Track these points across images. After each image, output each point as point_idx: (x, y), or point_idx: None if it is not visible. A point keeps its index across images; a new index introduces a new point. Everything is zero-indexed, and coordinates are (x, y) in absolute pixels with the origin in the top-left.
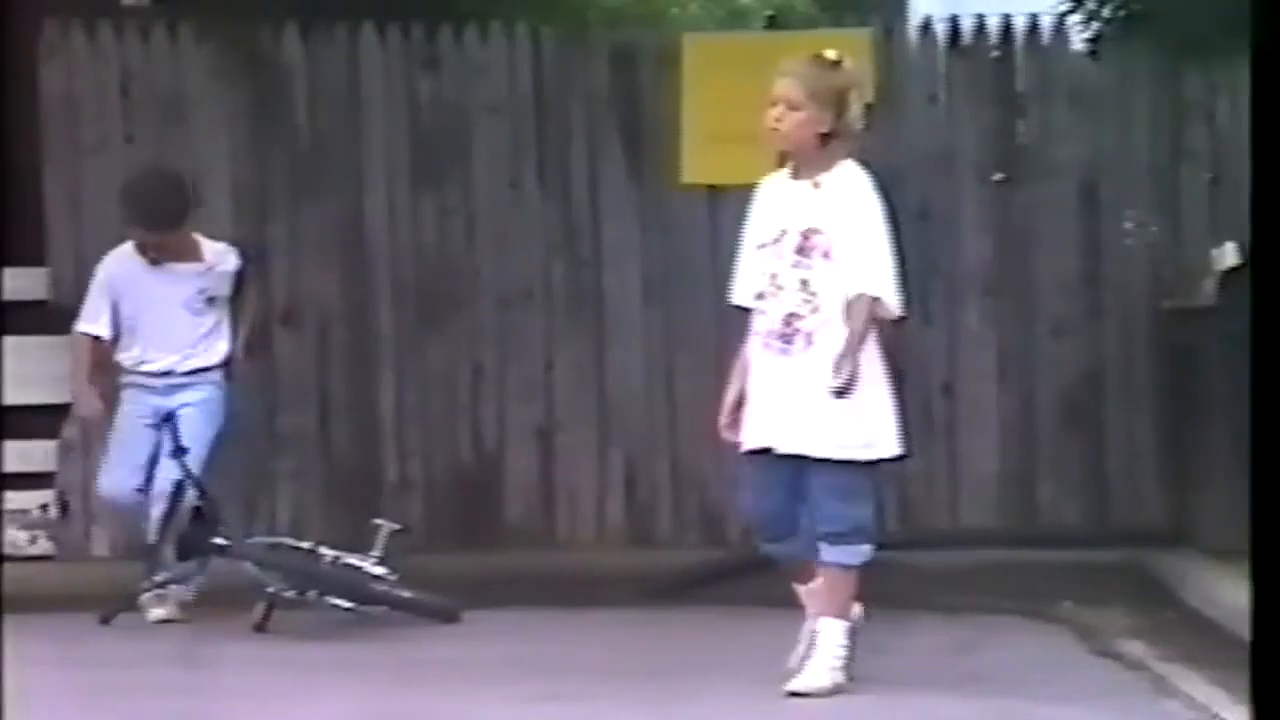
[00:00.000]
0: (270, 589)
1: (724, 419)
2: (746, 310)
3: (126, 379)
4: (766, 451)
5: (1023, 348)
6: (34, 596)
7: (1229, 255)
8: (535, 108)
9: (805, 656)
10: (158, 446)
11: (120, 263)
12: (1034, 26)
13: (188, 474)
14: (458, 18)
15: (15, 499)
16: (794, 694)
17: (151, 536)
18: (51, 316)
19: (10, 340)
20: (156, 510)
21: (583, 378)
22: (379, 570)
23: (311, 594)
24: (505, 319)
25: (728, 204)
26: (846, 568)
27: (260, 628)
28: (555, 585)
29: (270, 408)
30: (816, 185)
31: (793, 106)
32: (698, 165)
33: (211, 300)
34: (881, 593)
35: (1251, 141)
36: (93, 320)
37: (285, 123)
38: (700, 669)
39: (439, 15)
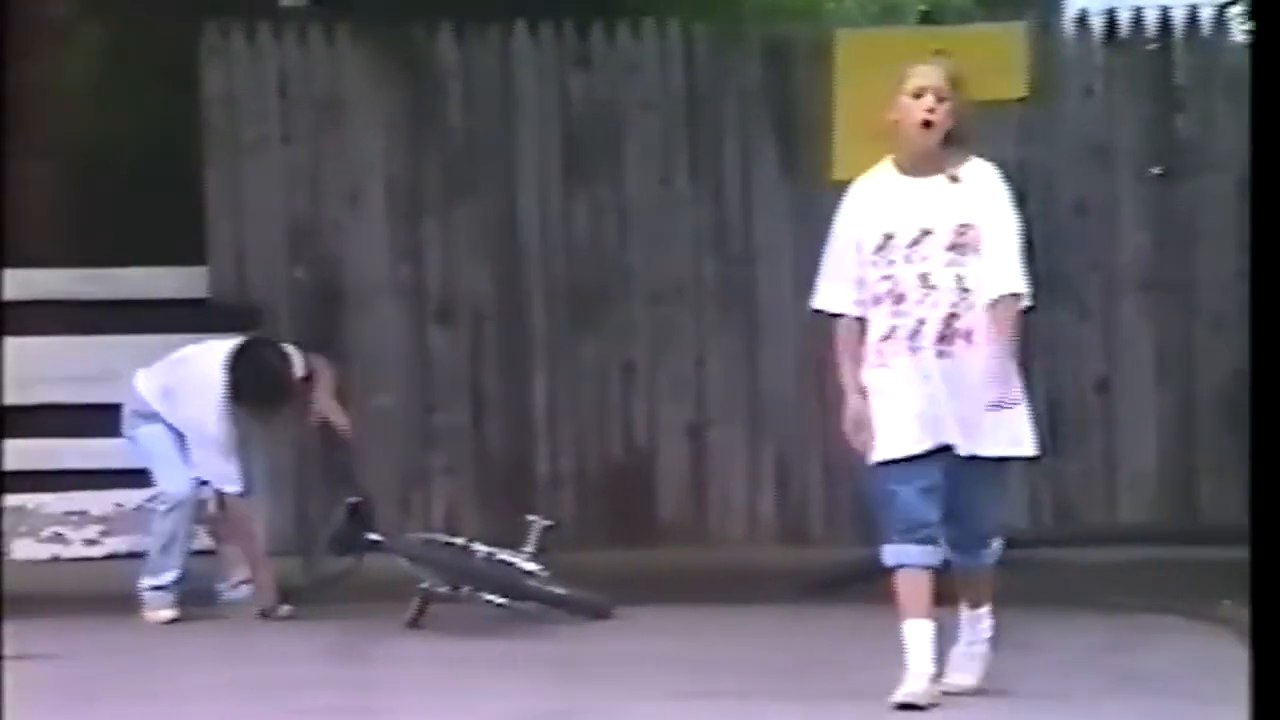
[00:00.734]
0: (424, 585)
1: (858, 432)
2: (833, 315)
3: None
4: (915, 458)
5: (1181, 343)
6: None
7: None
8: (687, 104)
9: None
10: None
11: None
12: (1193, 19)
13: (344, 473)
14: (610, 16)
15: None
16: (950, 692)
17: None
18: (210, 314)
19: (170, 338)
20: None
21: (734, 374)
22: (531, 566)
23: (465, 590)
24: (656, 315)
25: None
26: (990, 565)
27: (414, 624)
28: (707, 582)
29: (425, 405)
30: (956, 179)
31: (941, 97)
32: (849, 162)
33: None
34: (1039, 590)
35: (1251, 142)
36: None
37: (440, 122)
38: (853, 667)
39: (591, 13)
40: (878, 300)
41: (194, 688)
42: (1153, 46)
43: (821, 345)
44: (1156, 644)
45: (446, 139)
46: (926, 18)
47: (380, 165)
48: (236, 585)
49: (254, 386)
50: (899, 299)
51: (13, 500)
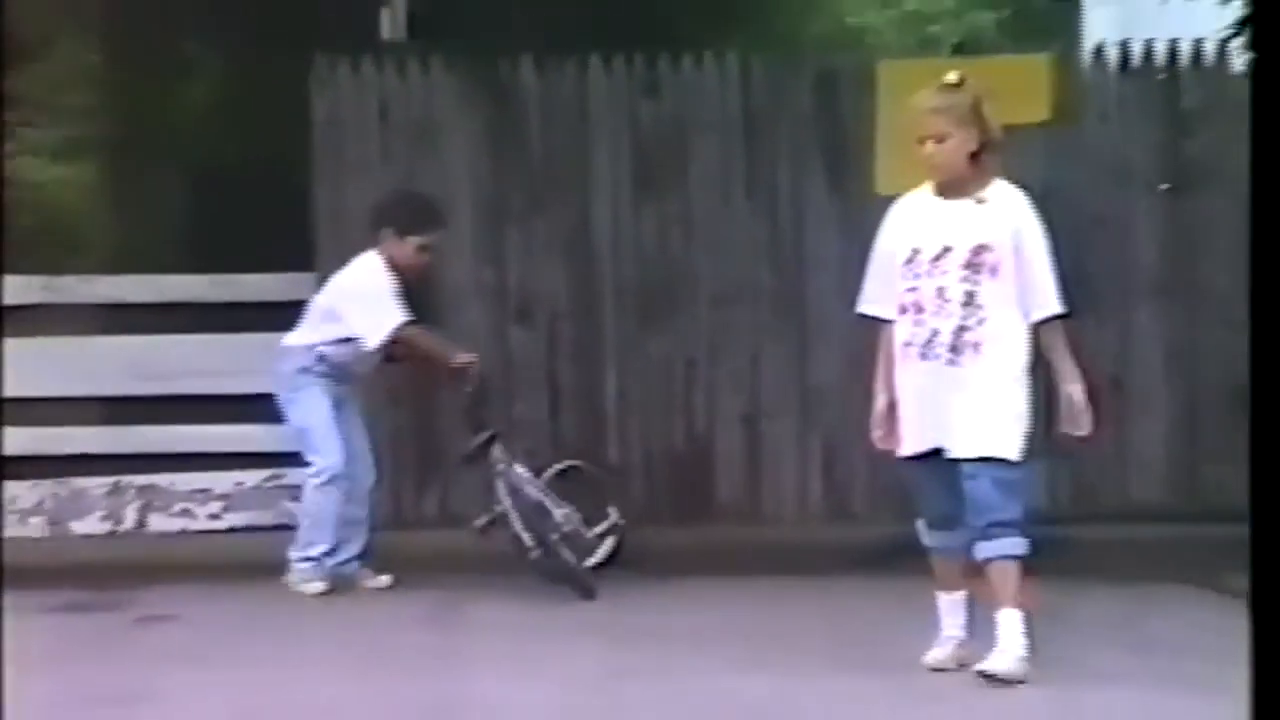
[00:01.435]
0: (501, 508)
1: (879, 429)
2: (875, 320)
3: None
4: (929, 454)
5: (1187, 343)
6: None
7: None
8: (744, 127)
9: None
10: None
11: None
12: (1198, 51)
13: (475, 409)
14: (675, 48)
15: (290, 475)
16: (984, 675)
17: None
18: None
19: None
20: None
21: (786, 370)
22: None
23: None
24: (716, 317)
25: None
26: (1012, 559)
27: (484, 533)
28: (761, 557)
29: (507, 397)
30: (981, 202)
31: (940, 139)
32: (890, 178)
33: None
34: (1060, 565)
35: (1251, 143)
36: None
37: (522, 143)
38: (898, 637)
39: (658, 45)
40: (903, 310)
41: (300, 652)
42: (1162, 75)
43: (864, 345)
44: (1167, 612)
45: (528, 158)
46: (959, 49)
47: (468, 181)
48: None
49: (406, 209)
50: (919, 309)
51: (145, 479)
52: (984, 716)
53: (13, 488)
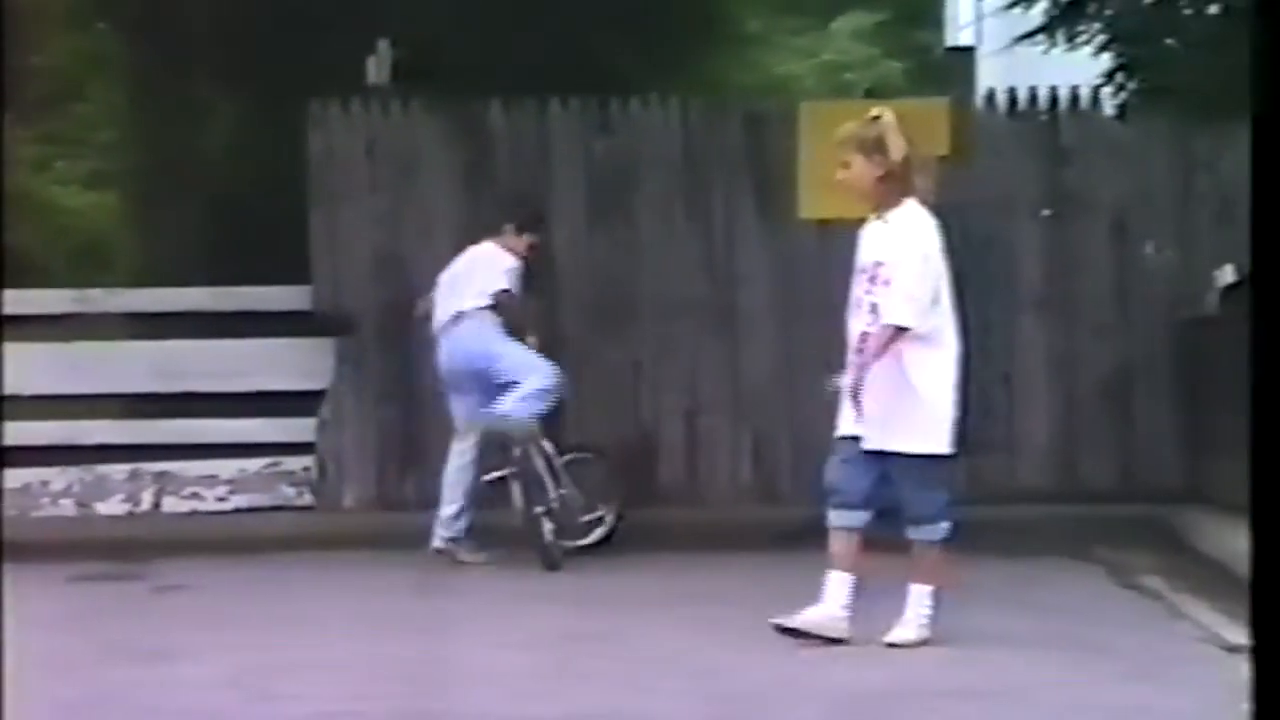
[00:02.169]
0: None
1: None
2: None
3: None
4: (851, 439)
5: (1067, 347)
6: (300, 538)
7: (1228, 275)
8: (685, 161)
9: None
10: None
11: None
12: (1075, 96)
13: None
14: (624, 92)
15: (286, 463)
16: (891, 645)
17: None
18: (313, 323)
19: (280, 341)
20: None
21: (721, 372)
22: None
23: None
24: (660, 326)
25: (834, 236)
26: (930, 544)
27: (491, 485)
28: (699, 534)
29: None
30: (886, 222)
31: (846, 164)
32: (811, 204)
33: None
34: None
35: (1252, 143)
36: None
37: (492, 175)
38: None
39: (610, 90)
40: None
41: (299, 613)
42: (1044, 117)
43: (788, 350)
44: (1048, 580)
45: (497, 188)
46: (870, 93)
47: (446, 209)
48: None
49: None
50: (854, 315)
51: (160, 466)
52: (891, 672)
53: (45, 473)
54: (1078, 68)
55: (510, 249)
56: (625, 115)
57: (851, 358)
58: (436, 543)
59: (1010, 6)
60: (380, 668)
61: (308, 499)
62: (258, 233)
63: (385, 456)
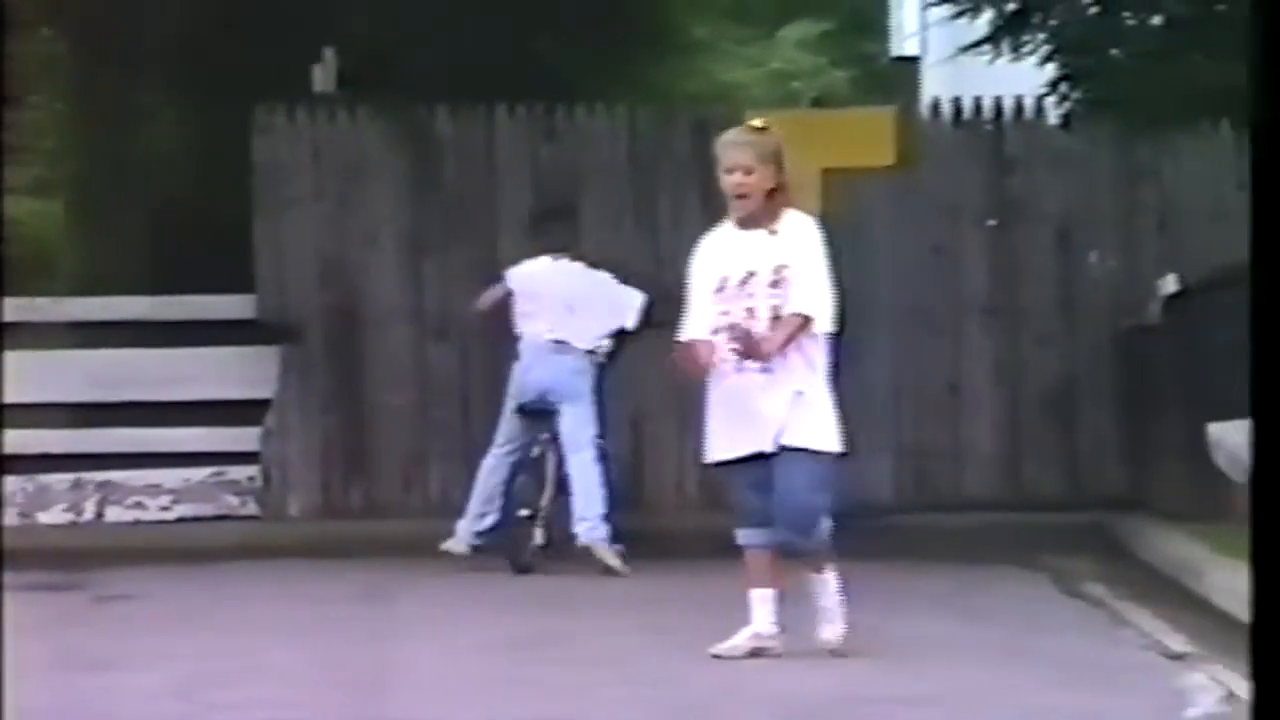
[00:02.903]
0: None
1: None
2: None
3: None
4: (753, 459)
5: (1012, 355)
6: (245, 548)
7: (1170, 284)
8: (631, 168)
9: (762, 638)
10: None
11: None
12: (1020, 106)
13: None
14: (571, 99)
15: (231, 472)
16: (831, 649)
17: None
18: (257, 332)
19: (225, 350)
20: None
21: (667, 379)
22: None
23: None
24: None
25: None
26: (818, 548)
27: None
28: (645, 541)
29: (424, 404)
30: (774, 232)
31: (749, 171)
32: None
33: None
34: (900, 547)
35: (1251, 143)
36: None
37: (438, 182)
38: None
39: (556, 96)
40: (717, 331)
41: (245, 622)
42: (989, 126)
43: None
44: (992, 587)
45: (443, 195)
46: (817, 102)
47: (391, 216)
48: None
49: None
50: (732, 329)
51: (103, 476)
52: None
53: None
54: (1022, 77)
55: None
56: (572, 123)
57: (751, 367)
58: (466, 544)
59: (956, 17)
60: (325, 676)
61: (252, 508)
62: (202, 240)
63: (330, 465)
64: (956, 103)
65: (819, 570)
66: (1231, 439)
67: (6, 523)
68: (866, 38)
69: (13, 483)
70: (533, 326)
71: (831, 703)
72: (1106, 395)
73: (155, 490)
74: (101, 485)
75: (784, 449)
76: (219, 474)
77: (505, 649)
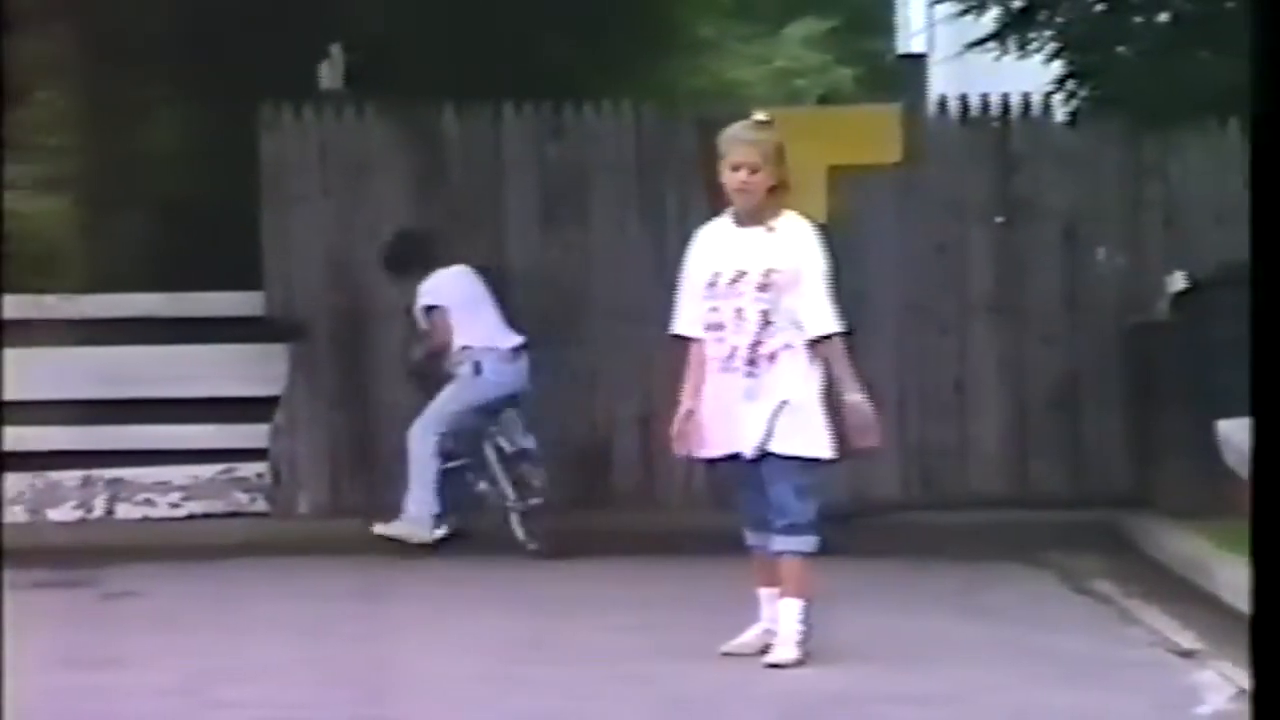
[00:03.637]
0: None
1: (677, 435)
2: (686, 339)
3: None
4: (735, 458)
5: (1018, 353)
6: (254, 544)
7: (1178, 281)
8: (637, 167)
9: (773, 634)
10: None
11: None
12: (1026, 103)
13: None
14: (577, 97)
15: (240, 469)
16: (772, 666)
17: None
18: (267, 328)
19: (234, 347)
20: None
21: (675, 377)
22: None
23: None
24: (615, 331)
25: None
26: (801, 555)
27: None
28: (653, 539)
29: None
30: (771, 230)
31: (754, 169)
32: None
33: None
34: (906, 544)
35: (1251, 143)
36: None
37: (445, 179)
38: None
39: (563, 94)
40: (707, 328)
41: (252, 619)
42: (995, 124)
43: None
44: (999, 584)
45: (450, 192)
46: (822, 100)
47: (398, 213)
48: None
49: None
50: (720, 327)
51: (112, 473)
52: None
53: None
54: (1029, 75)
55: None
56: (578, 120)
57: (738, 369)
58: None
59: (962, 14)
60: (330, 674)
61: (262, 505)
62: (210, 238)
63: (339, 462)
64: (963, 100)
65: (795, 594)
66: (1240, 436)
67: (17, 520)
68: (872, 35)
69: (22, 480)
70: (481, 332)
71: (836, 700)
72: (1114, 393)
73: (165, 487)
74: (111, 482)
75: (771, 455)
76: (228, 471)
77: (513, 647)
